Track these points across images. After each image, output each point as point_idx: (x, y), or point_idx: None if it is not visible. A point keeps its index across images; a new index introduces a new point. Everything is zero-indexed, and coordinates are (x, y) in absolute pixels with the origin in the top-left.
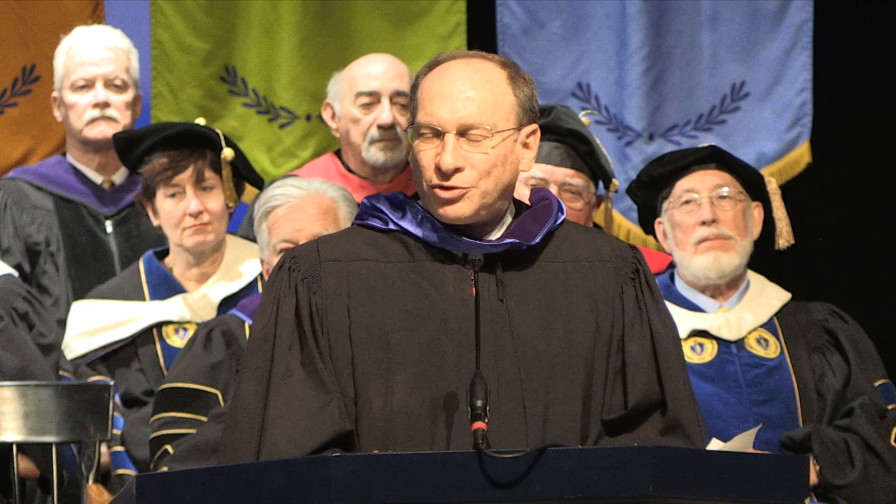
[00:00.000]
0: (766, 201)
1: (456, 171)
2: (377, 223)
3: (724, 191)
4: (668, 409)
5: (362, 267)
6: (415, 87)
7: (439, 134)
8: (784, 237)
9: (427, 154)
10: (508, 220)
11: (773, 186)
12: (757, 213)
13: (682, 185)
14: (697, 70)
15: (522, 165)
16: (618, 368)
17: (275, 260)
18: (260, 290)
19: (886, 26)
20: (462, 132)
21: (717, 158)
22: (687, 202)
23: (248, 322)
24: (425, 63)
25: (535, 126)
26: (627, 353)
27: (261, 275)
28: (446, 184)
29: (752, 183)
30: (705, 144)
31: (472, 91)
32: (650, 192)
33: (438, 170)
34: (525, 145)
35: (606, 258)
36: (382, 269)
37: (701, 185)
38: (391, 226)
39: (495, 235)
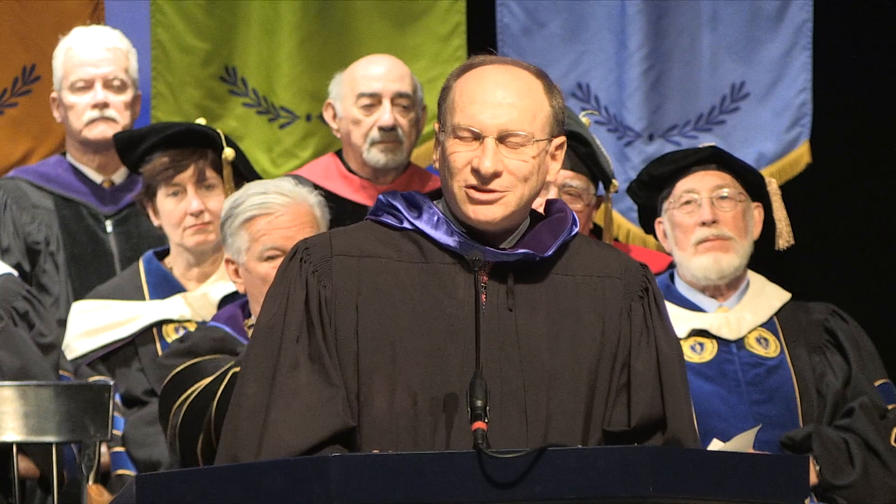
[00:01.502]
0: (767, 202)
1: (494, 175)
2: (391, 220)
3: (725, 191)
4: (669, 428)
5: (374, 263)
6: (446, 88)
7: (478, 137)
8: (784, 237)
9: (462, 156)
10: (523, 228)
11: (773, 187)
12: (757, 213)
13: (683, 185)
14: (697, 70)
15: (549, 176)
16: (622, 385)
17: (258, 266)
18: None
19: (886, 26)
20: (502, 138)
21: (717, 159)
22: (687, 202)
23: (223, 329)
24: (427, 62)
25: (563, 138)
26: (633, 372)
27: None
28: (483, 186)
29: (752, 183)
30: (705, 145)
31: (513, 97)
32: (650, 192)
33: (475, 172)
34: (553, 156)
35: (616, 274)
36: (394, 268)
37: (701, 185)
38: (405, 224)
39: (509, 243)
